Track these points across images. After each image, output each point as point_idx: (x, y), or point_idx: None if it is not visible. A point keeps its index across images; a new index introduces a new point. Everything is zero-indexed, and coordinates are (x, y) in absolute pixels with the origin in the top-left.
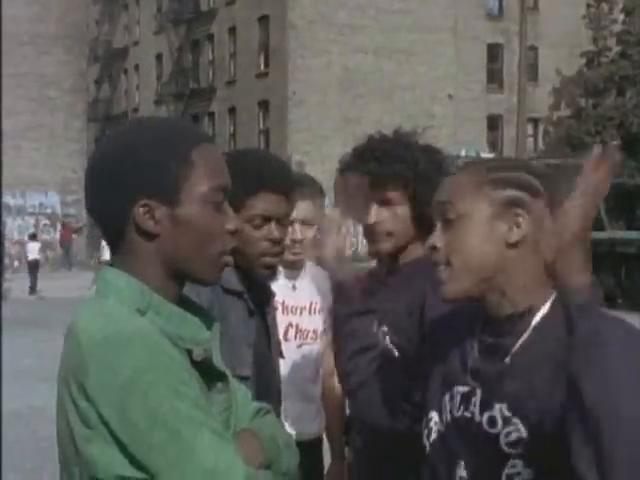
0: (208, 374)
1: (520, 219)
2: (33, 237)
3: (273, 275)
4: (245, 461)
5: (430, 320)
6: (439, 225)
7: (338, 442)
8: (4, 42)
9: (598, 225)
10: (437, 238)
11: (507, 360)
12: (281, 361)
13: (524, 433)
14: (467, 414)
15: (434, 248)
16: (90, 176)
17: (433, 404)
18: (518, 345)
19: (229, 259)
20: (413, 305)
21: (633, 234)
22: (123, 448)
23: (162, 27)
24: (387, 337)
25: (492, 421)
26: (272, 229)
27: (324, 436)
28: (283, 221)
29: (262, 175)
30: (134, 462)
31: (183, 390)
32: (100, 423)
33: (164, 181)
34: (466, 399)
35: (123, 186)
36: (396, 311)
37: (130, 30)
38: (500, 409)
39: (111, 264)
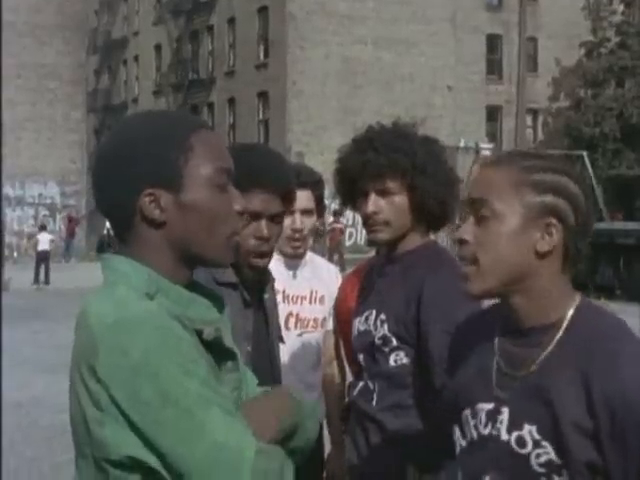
0: (218, 354)
1: (553, 229)
2: (43, 228)
3: (263, 275)
4: (256, 436)
5: (433, 328)
6: (471, 219)
7: (338, 429)
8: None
9: (597, 216)
10: (467, 232)
11: (533, 369)
12: (282, 349)
13: (554, 456)
14: (494, 432)
15: (463, 242)
16: (94, 172)
17: (453, 418)
18: (544, 356)
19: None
20: (410, 294)
21: (632, 225)
22: (134, 429)
23: (161, 18)
24: (385, 325)
25: (521, 441)
26: (261, 227)
27: (324, 423)
28: (277, 219)
29: (255, 172)
30: (145, 443)
31: (193, 369)
32: (111, 404)
33: (166, 169)
34: (492, 417)
35: (127, 179)
36: (394, 300)
37: (129, 21)
38: (530, 431)
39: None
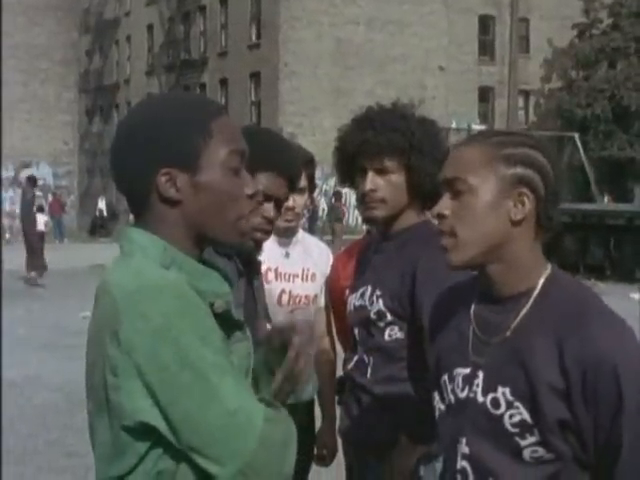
0: (227, 325)
1: (525, 198)
2: (40, 209)
3: (259, 250)
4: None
5: (428, 302)
6: (447, 195)
7: (330, 404)
8: None
9: (588, 197)
10: (444, 207)
11: (508, 334)
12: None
13: (527, 415)
14: (470, 395)
15: (441, 216)
16: (115, 149)
17: (433, 384)
18: (518, 321)
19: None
20: (406, 270)
21: (622, 206)
22: (150, 392)
23: None
24: (380, 300)
25: (496, 403)
26: (269, 208)
27: (315, 398)
28: (280, 203)
29: (267, 156)
30: (159, 407)
31: (209, 337)
32: (130, 369)
33: (185, 150)
34: (468, 381)
35: (146, 157)
36: (389, 276)
37: (121, 1)
38: (503, 393)
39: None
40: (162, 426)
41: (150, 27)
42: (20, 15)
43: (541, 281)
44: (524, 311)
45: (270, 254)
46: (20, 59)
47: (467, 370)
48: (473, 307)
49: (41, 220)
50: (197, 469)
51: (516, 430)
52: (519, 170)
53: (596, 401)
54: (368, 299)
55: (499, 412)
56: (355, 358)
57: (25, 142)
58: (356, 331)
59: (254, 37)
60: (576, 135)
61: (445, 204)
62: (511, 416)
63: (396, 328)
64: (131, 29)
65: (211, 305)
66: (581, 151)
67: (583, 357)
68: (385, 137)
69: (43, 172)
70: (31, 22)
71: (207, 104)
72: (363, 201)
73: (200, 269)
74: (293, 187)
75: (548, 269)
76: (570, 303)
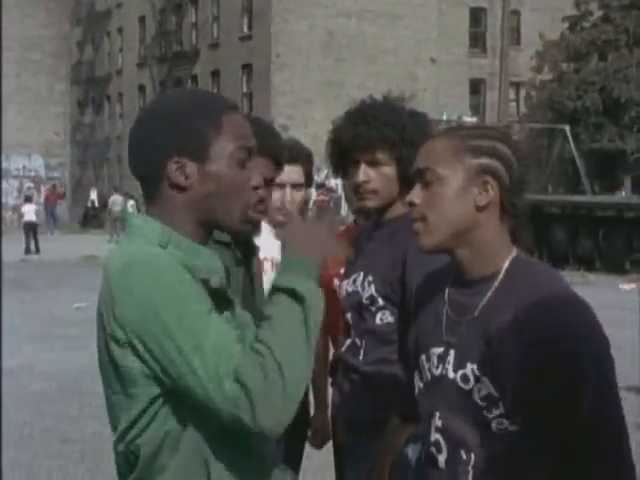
0: (221, 302)
1: (489, 186)
2: (28, 199)
3: (257, 230)
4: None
5: (413, 286)
6: (418, 184)
7: (323, 390)
8: None
9: (579, 189)
10: (415, 195)
11: (476, 314)
12: None
13: (492, 389)
14: (443, 372)
15: (412, 204)
16: (132, 137)
17: (412, 365)
18: (485, 301)
19: (256, 214)
20: (396, 256)
21: (611, 198)
22: (152, 357)
23: None
24: (372, 286)
25: (465, 378)
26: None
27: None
28: (269, 183)
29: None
30: (161, 371)
31: (200, 296)
32: (128, 337)
33: (195, 141)
34: (441, 359)
35: (159, 146)
36: (381, 262)
37: None
38: (472, 369)
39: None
40: (167, 381)
41: (142, 18)
42: (11, 7)
43: (506, 264)
44: (491, 292)
45: (267, 245)
46: (11, 50)
47: (441, 349)
48: (447, 290)
49: (30, 210)
50: (203, 430)
51: (484, 404)
52: (484, 160)
53: (556, 375)
54: (360, 285)
55: (468, 387)
56: (348, 341)
57: (17, 133)
58: (349, 316)
59: (246, 29)
60: (567, 127)
61: (416, 193)
62: (479, 390)
63: (387, 312)
64: (123, 20)
65: (207, 281)
66: (572, 143)
67: (543, 332)
68: (377, 131)
69: (35, 164)
70: (22, 13)
71: (220, 100)
72: (356, 192)
73: (195, 247)
74: (279, 165)
75: (514, 252)
76: (533, 283)
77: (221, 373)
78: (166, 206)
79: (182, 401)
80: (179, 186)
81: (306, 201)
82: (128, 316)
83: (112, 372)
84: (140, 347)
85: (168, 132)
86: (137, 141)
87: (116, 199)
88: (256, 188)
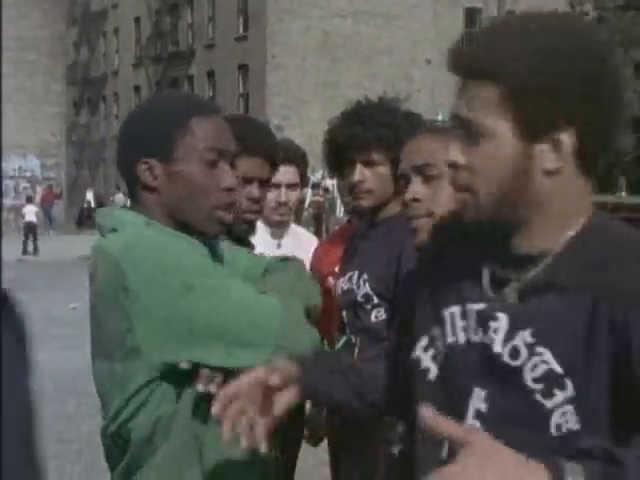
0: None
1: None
2: (29, 200)
3: (252, 230)
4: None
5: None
6: (418, 180)
7: None
8: None
9: None
10: (418, 191)
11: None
12: None
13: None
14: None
15: (416, 200)
16: (117, 140)
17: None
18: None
19: (226, 215)
20: (391, 254)
21: (606, 198)
22: (167, 327)
23: None
24: (367, 284)
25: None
26: (252, 189)
27: None
28: (265, 183)
29: (245, 139)
30: (178, 343)
31: (209, 265)
32: (142, 309)
33: (162, 143)
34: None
35: (129, 147)
36: (376, 261)
37: None
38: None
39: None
40: (186, 354)
41: (137, 19)
42: (7, 7)
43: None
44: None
45: (263, 244)
46: (7, 50)
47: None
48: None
49: (31, 211)
50: (195, 414)
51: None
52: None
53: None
54: (355, 283)
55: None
56: (343, 339)
57: (13, 134)
58: (344, 313)
59: (241, 29)
60: None
61: (417, 190)
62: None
63: (382, 310)
64: (118, 21)
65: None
66: None
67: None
68: (373, 131)
69: (31, 164)
70: (18, 14)
71: (191, 102)
72: (352, 192)
73: (180, 234)
74: (275, 166)
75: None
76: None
77: (266, 329)
78: (142, 205)
79: (175, 386)
80: (149, 186)
81: (302, 201)
82: (140, 287)
83: (114, 345)
84: (156, 313)
85: (138, 134)
86: (119, 146)
87: (120, 198)
88: (229, 189)
